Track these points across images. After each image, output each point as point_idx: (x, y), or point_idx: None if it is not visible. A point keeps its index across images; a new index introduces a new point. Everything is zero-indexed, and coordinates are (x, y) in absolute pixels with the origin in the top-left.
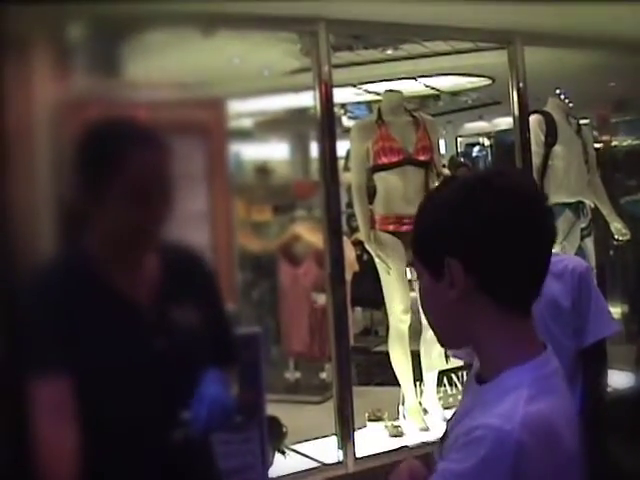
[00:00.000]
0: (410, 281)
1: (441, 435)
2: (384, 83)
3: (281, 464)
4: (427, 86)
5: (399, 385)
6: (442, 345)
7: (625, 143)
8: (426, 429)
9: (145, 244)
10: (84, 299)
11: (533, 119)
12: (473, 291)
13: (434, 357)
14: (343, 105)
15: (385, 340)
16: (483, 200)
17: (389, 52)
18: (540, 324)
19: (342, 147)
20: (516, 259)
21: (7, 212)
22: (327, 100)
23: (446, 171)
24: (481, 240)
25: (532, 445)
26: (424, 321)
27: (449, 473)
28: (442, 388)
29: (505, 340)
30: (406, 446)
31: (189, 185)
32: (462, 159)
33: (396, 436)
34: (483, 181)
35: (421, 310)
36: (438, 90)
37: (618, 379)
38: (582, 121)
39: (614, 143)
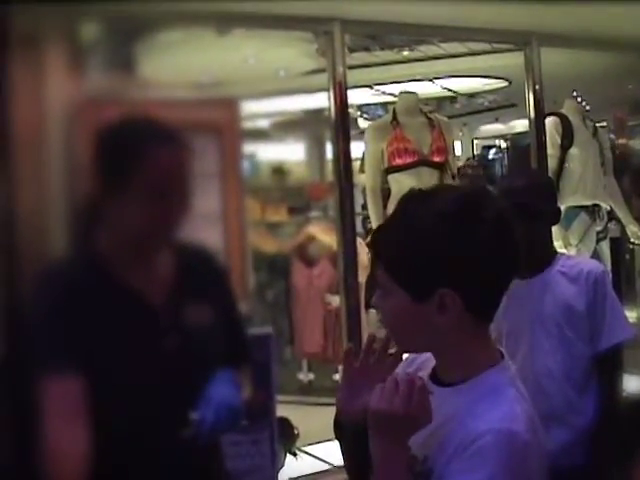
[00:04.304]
0: None
1: None
2: (400, 84)
3: (292, 466)
4: (443, 88)
5: None
6: (399, 347)
7: None
8: None
9: (161, 242)
10: (97, 298)
11: (549, 121)
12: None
13: None
14: (359, 106)
15: None
16: (475, 230)
17: (405, 53)
18: (554, 328)
19: (357, 148)
20: (499, 279)
21: (20, 211)
22: (342, 101)
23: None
24: (477, 270)
25: (533, 443)
26: None
27: None
28: None
29: (479, 346)
30: None
31: (202, 185)
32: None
33: None
34: (468, 209)
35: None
36: (454, 92)
37: (635, 384)
38: (599, 124)
39: (631, 146)
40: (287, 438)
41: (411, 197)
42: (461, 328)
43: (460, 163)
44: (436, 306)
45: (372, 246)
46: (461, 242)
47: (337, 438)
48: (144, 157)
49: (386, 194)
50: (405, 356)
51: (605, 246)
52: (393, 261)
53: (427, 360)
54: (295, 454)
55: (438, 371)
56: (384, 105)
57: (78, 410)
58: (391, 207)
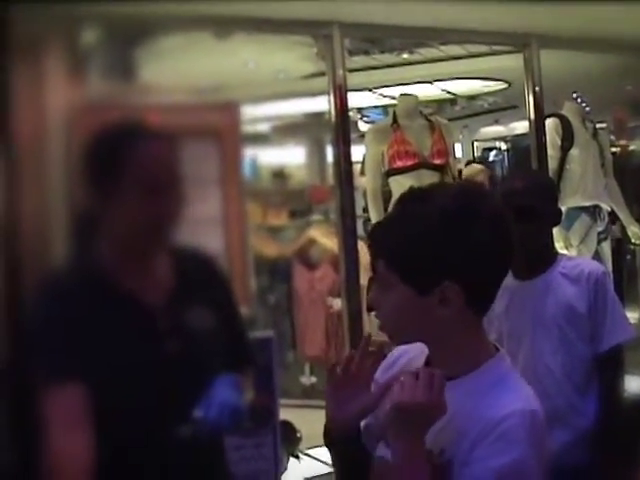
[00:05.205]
0: None
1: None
2: (400, 87)
3: (295, 469)
4: (443, 90)
5: None
6: (390, 337)
7: None
8: None
9: (158, 242)
10: (97, 304)
11: (549, 123)
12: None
13: None
14: (359, 109)
15: None
16: (474, 225)
17: (405, 56)
18: (555, 329)
19: (358, 151)
20: (497, 273)
21: (20, 218)
22: (342, 104)
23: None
24: (477, 264)
25: (545, 422)
26: None
27: (492, 471)
28: None
29: (477, 338)
30: None
31: (202, 189)
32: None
33: None
34: (468, 204)
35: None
36: (454, 94)
37: (636, 385)
38: (599, 125)
39: (631, 147)
40: (290, 441)
41: (411, 195)
42: (461, 321)
43: (461, 165)
44: (438, 299)
45: (371, 242)
46: (462, 236)
47: (327, 446)
48: (133, 156)
49: (387, 197)
50: (390, 355)
51: (606, 247)
52: (395, 256)
53: (411, 360)
54: (298, 457)
55: (435, 365)
56: (384, 108)
57: (80, 417)
58: None
